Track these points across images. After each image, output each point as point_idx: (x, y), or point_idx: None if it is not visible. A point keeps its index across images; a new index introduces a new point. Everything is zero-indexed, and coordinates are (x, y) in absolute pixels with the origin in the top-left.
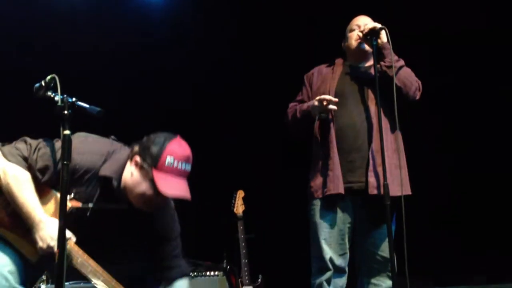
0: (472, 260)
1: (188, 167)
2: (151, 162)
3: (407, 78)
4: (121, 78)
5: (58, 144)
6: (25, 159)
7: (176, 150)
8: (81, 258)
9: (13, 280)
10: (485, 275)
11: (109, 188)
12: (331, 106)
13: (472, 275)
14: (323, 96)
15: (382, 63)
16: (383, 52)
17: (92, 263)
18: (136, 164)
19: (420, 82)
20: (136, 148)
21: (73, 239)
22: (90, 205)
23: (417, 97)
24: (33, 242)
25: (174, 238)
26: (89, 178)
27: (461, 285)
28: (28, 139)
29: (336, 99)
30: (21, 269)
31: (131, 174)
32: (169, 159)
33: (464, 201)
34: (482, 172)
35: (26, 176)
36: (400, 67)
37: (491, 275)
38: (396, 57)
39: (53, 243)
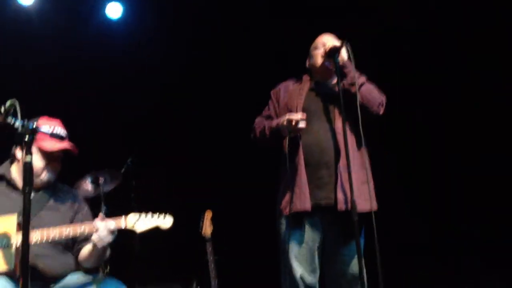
0: (443, 274)
1: (60, 130)
2: (29, 139)
3: (370, 94)
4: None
5: None
6: None
7: (44, 122)
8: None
9: None
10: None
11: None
12: (301, 125)
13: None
14: (292, 116)
15: (344, 81)
16: (345, 70)
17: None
18: (18, 157)
19: (384, 97)
20: (13, 150)
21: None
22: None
23: (381, 112)
24: None
25: None
26: None
27: None
28: None
29: (305, 116)
30: None
31: (17, 168)
32: (42, 129)
33: (432, 214)
34: (450, 186)
35: None
36: (362, 84)
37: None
38: (358, 73)
39: None
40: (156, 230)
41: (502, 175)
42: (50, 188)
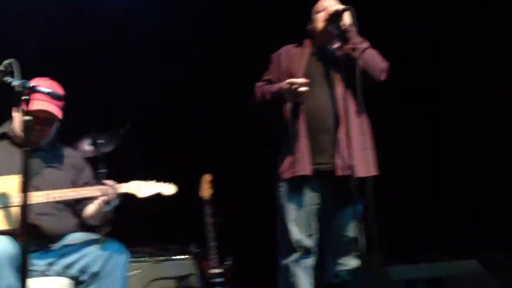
0: (438, 238)
1: (45, 89)
2: (26, 98)
3: (372, 60)
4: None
5: None
6: None
7: (38, 82)
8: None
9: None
10: (448, 251)
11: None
12: (303, 89)
13: (439, 252)
14: (294, 80)
15: (346, 45)
16: (347, 34)
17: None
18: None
19: (386, 63)
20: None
21: None
22: None
23: (382, 78)
24: None
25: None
26: None
27: (425, 262)
28: None
29: (308, 80)
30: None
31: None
32: (40, 88)
33: (431, 181)
34: (449, 152)
35: None
36: (365, 49)
37: (456, 251)
38: (360, 39)
39: None
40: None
41: (502, 175)
42: (53, 148)
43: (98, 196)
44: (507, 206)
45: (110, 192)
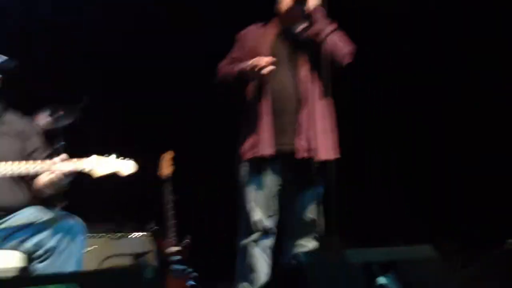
0: (397, 223)
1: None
2: None
3: (337, 44)
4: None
5: None
6: None
7: None
8: None
9: None
10: (403, 235)
11: None
12: (268, 68)
13: (396, 237)
14: (260, 58)
15: (312, 28)
16: (313, 16)
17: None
18: None
19: (351, 46)
20: None
21: None
22: None
23: (346, 62)
24: None
25: None
26: None
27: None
28: None
29: (274, 59)
30: None
31: None
32: None
33: (390, 163)
34: (411, 136)
35: None
36: (330, 32)
37: (411, 236)
38: (327, 21)
39: None
40: None
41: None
42: None
43: (52, 170)
44: (466, 197)
45: (65, 170)
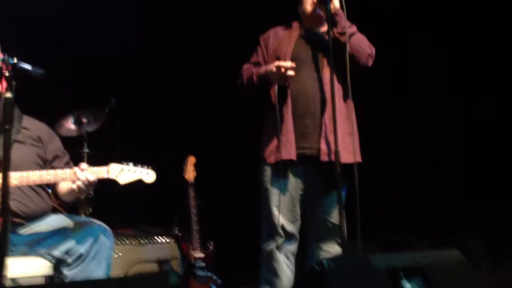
0: (419, 227)
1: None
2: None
3: (359, 45)
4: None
5: None
6: None
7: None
8: None
9: None
10: (428, 240)
11: None
12: (289, 73)
13: (419, 240)
14: (281, 63)
15: (334, 29)
16: (336, 18)
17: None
18: None
19: (373, 49)
20: None
21: None
22: None
23: (369, 64)
24: None
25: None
26: None
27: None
28: None
29: (294, 64)
30: None
31: None
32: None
33: (413, 169)
34: (433, 141)
35: None
36: (352, 34)
37: (436, 241)
38: (348, 23)
39: None
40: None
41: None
42: (15, 122)
43: (75, 180)
44: (493, 199)
45: (88, 178)
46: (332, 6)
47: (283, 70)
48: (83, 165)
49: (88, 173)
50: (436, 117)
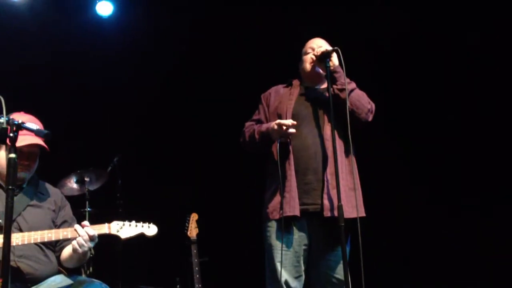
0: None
1: (33, 126)
2: (13, 136)
3: (359, 101)
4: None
5: None
6: None
7: (17, 117)
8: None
9: None
10: None
11: None
12: (291, 130)
13: None
14: (282, 121)
15: (334, 86)
16: (335, 75)
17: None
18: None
19: (373, 104)
20: None
21: None
22: None
23: (370, 119)
24: None
25: None
26: None
27: None
28: None
29: (295, 122)
30: None
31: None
32: (28, 125)
33: (416, 223)
34: (435, 194)
35: None
36: (352, 90)
37: None
38: (348, 80)
39: None
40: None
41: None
42: (32, 187)
43: (76, 237)
44: None
45: (88, 234)
46: (331, 63)
47: (284, 128)
48: (85, 222)
49: (88, 228)
50: (438, 166)
